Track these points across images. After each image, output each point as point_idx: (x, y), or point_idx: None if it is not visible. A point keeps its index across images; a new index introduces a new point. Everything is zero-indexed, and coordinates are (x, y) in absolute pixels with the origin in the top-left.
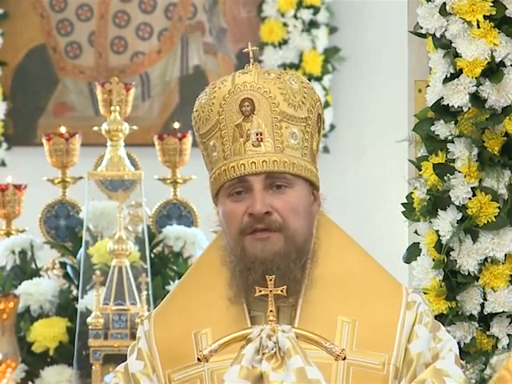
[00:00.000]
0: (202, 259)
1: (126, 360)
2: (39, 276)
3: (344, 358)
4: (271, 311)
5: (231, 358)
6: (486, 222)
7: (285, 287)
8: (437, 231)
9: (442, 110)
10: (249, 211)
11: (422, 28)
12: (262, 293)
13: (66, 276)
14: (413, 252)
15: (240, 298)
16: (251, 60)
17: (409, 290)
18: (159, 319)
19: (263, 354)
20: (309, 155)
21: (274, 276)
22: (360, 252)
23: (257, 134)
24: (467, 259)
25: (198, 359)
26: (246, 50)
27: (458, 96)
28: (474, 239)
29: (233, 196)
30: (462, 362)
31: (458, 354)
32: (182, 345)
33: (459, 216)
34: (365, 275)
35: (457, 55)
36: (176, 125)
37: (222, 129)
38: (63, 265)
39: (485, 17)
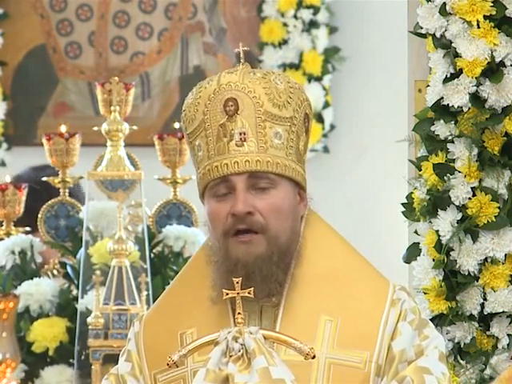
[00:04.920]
0: (193, 259)
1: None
2: (39, 276)
3: (313, 357)
4: (239, 313)
5: None
6: (486, 222)
7: (252, 289)
8: (437, 231)
9: (442, 110)
10: (231, 211)
11: (422, 28)
12: (230, 296)
13: (66, 276)
14: (413, 252)
15: (223, 298)
16: (241, 60)
17: (396, 288)
18: (149, 321)
19: (230, 356)
20: (294, 155)
21: (240, 278)
22: (346, 250)
23: (240, 134)
24: (467, 259)
25: (168, 364)
26: (236, 50)
27: (458, 96)
28: (474, 239)
29: (218, 196)
30: (461, 361)
31: (445, 351)
32: (167, 345)
33: (459, 216)
34: (349, 273)
35: (457, 55)
36: (176, 125)
37: (206, 128)
38: (63, 265)
39: (485, 17)
